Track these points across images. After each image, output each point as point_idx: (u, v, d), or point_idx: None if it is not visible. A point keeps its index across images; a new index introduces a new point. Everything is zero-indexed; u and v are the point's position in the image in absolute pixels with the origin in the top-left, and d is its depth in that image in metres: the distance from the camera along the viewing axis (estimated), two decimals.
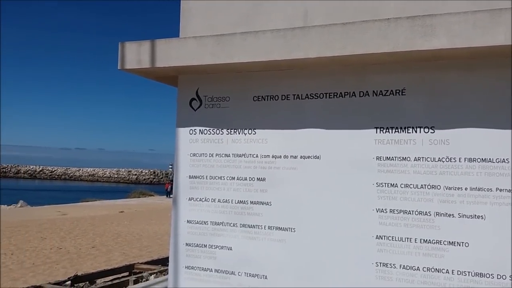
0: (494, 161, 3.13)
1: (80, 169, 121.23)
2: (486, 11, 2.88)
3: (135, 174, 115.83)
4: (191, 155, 4.10)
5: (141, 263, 5.88)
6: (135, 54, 3.96)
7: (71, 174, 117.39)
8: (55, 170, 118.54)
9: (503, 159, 3.11)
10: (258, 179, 3.84)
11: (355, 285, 3.47)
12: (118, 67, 4.04)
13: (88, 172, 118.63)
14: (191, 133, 4.11)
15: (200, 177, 4.05)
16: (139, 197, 39.74)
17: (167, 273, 6.09)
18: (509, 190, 3.08)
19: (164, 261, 6.36)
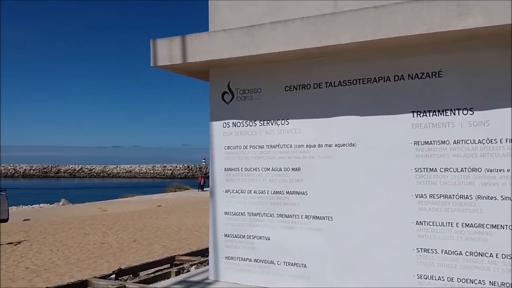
0: None
1: (117, 166, 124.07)
2: None
3: (170, 169, 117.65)
4: (226, 148, 4.13)
5: (181, 255, 5.98)
6: (167, 51, 4.01)
7: (109, 171, 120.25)
8: (93, 168, 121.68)
9: None
10: (293, 169, 3.84)
11: (395, 271, 3.44)
12: (150, 64, 4.11)
13: (125, 169, 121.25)
14: (224, 126, 4.14)
15: (236, 169, 4.08)
16: (175, 191, 40.32)
17: (207, 264, 6.17)
18: None
19: (203, 253, 6.43)
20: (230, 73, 4.12)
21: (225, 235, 4.14)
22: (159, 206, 23.29)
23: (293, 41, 3.50)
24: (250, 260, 4.02)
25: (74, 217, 17.36)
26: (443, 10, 2.99)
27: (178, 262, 5.85)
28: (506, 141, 3.12)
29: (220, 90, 4.17)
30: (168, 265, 5.86)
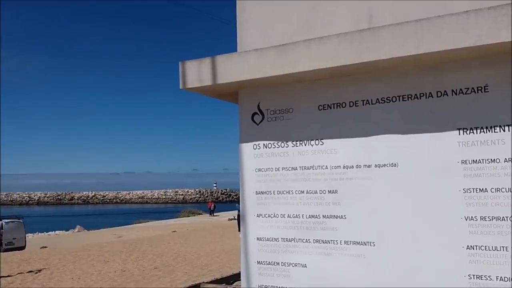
0: None
1: (130, 192, 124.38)
2: None
3: (182, 194, 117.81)
4: (257, 170, 3.97)
5: (207, 283, 5.80)
6: (196, 72, 3.91)
7: (122, 197, 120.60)
8: (106, 195, 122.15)
9: None
10: (329, 191, 3.65)
11: None
12: (180, 86, 4.00)
13: (137, 195, 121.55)
14: (255, 148, 3.99)
15: (268, 192, 3.91)
16: (189, 216, 40.11)
17: None
18: None
19: (228, 280, 6.30)
20: (260, 94, 3.99)
21: (258, 262, 3.94)
22: (174, 231, 23.11)
23: (329, 58, 3.37)
24: None
25: (91, 244, 17.26)
26: (491, 21, 2.84)
27: None
28: None
29: (250, 111, 4.04)
30: None
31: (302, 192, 3.75)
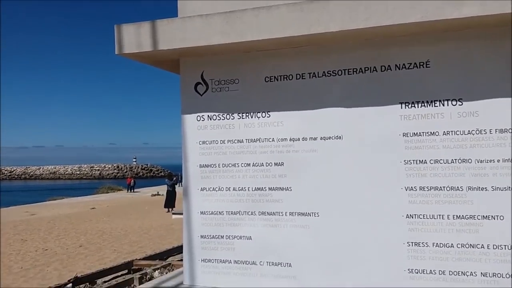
0: None
1: (40, 168, 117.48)
2: None
3: (98, 170, 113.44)
4: (201, 142, 3.85)
5: (139, 259, 5.62)
6: (134, 37, 3.65)
7: (31, 173, 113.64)
8: (14, 170, 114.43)
9: None
10: (275, 164, 3.64)
11: (385, 267, 3.36)
12: (115, 51, 3.73)
13: (49, 170, 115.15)
14: (198, 119, 3.86)
15: (212, 165, 3.82)
16: (108, 192, 38.72)
17: (172, 268, 5.86)
18: None
19: (161, 256, 6.14)
20: (204, 63, 3.84)
21: (202, 236, 3.86)
22: (93, 208, 22.22)
23: (279, 29, 3.29)
24: (230, 262, 3.78)
25: (2, 222, 16.05)
26: None
27: (137, 267, 5.47)
28: (496, 131, 3.13)
29: (192, 81, 3.88)
30: (126, 271, 5.47)
31: (249, 164, 3.71)
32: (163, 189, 26.08)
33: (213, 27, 3.46)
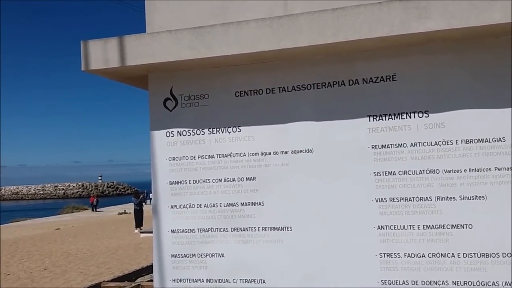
0: (491, 140, 3.15)
1: (1, 188, 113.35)
2: None
3: (62, 189, 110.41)
4: (170, 159, 3.79)
5: (107, 281, 5.44)
6: (101, 53, 3.60)
7: None
8: None
9: (500, 138, 3.13)
10: (247, 178, 3.62)
11: (359, 278, 3.37)
12: (81, 68, 3.66)
13: (11, 191, 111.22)
14: (168, 135, 3.80)
15: (183, 182, 3.76)
16: (73, 212, 37.60)
17: None
18: (508, 168, 3.11)
19: (129, 277, 5.99)
20: (173, 78, 3.80)
21: (172, 256, 3.78)
22: (58, 229, 21.52)
23: (248, 44, 3.31)
24: (202, 281, 3.70)
25: None
26: (403, 13, 3.01)
27: None
28: (462, 141, 3.21)
29: (161, 97, 3.83)
30: None
31: (220, 180, 3.67)
32: (130, 207, 25.62)
33: (182, 42, 3.44)
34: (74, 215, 33.78)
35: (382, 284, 3.32)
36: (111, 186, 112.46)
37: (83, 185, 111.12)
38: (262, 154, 3.59)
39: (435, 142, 3.26)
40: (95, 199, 37.67)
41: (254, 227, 3.59)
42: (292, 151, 3.53)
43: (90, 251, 11.69)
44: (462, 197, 3.19)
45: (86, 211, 37.25)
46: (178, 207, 3.76)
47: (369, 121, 3.39)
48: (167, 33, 3.49)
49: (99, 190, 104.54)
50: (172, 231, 3.77)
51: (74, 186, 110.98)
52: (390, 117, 3.36)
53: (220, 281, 3.66)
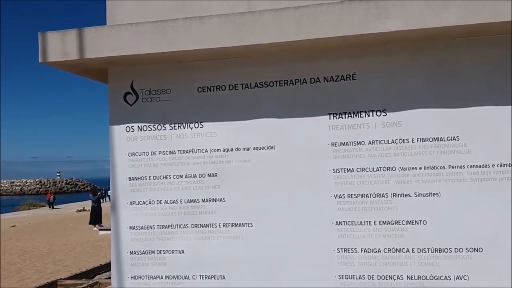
0: (445, 139, 3.26)
1: None
2: None
3: (19, 185, 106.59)
4: (130, 154, 3.73)
5: (64, 279, 5.29)
6: (60, 45, 3.49)
7: None
8: None
9: (454, 137, 3.25)
10: (209, 175, 3.61)
11: (317, 273, 3.42)
12: (39, 60, 3.54)
13: None
14: (128, 130, 3.74)
15: (142, 178, 3.70)
16: (30, 208, 36.40)
17: (100, 287, 5.60)
18: (461, 166, 3.23)
19: (87, 274, 5.84)
20: (133, 72, 3.74)
21: (131, 252, 3.72)
22: (13, 226, 20.79)
23: (211, 39, 3.29)
24: (161, 278, 3.67)
25: None
26: (363, 13, 3.07)
27: None
28: (417, 140, 3.31)
29: (121, 91, 3.76)
30: None
31: (181, 176, 3.64)
32: (88, 204, 24.96)
33: (144, 36, 3.39)
34: (31, 212, 32.71)
35: (339, 279, 3.39)
36: (70, 183, 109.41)
37: (40, 182, 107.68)
38: (224, 150, 3.59)
39: (392, 140, 3.35)
40: (52, 196, 36.57)
41: (215, 224, 3.59)
42: (254, 147, 3.55)
43: (47, 249, 11.36)
44: (417, 194, 3.30)
45: (43, 208, 36.12)
46: (137, 203, 3.70)
47: (329, 119, 3.45)
48: (129, 26, 3.43)
49: (58, 186, 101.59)
50: (131, 227, 3.71)
51: (31, 183, 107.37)
52: (349, 115, 3.42)
53: (180, 277, 3.63)
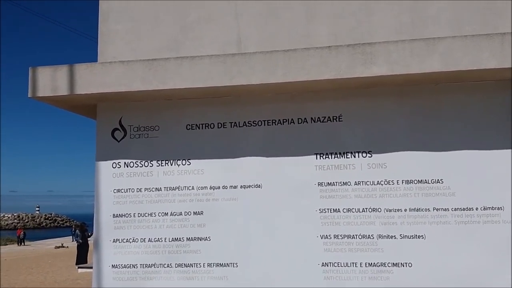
0: (430, 182, 3.31)
1: None
2: (422, 40, 3.09)
3: None
4: (115, 191, 3.69)
5: None
6: (50, 80, 3.52)
7: None
8: None
9: (438, 179, 3.30)
10: (194, 213, 3.58)
11: None
12: (28, 94, 3.55)
13: None
14: (114, 166, 3.72)
15: (127, 215, 3.66)
16: (6, 244, 35.23)
17: None
18: (446, 209, 3.27)
19: None
20: (122, 109, 3.76)
21: None
22: None
23: (202, 79, 3.35)
24: None
25: None
26: (349, 58, 3.17)
27: None
28: (402, 182, 3.35)
29: (110, 127, 3.76)
30: None
31: (166, 214, 3.60)
32: (67, 241, 24.25)
33: (135, 73, 3.44)
34: (7, 247, 31.63)
35: None
36: (49, 218, 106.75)
37: (19, 216, 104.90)
38: (211, 188, 3.58)
39: (378, 181, 3.39)
40: (22, 232, 35.14)
41: (199, 263, 3.53)
42: (241, 185, 3.55)
43: (23, 287, 10.96)
44: (402, 235, 3.31)
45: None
46: (120, 241, 3.64)
47: (316, 158, 3.49)
48: (120, 63, 3.48)
49: (36, 222, 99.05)
50: (113, 266, 3.63)
51: (9, 217, 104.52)
52: (336, 155, 3.47)
53: None
